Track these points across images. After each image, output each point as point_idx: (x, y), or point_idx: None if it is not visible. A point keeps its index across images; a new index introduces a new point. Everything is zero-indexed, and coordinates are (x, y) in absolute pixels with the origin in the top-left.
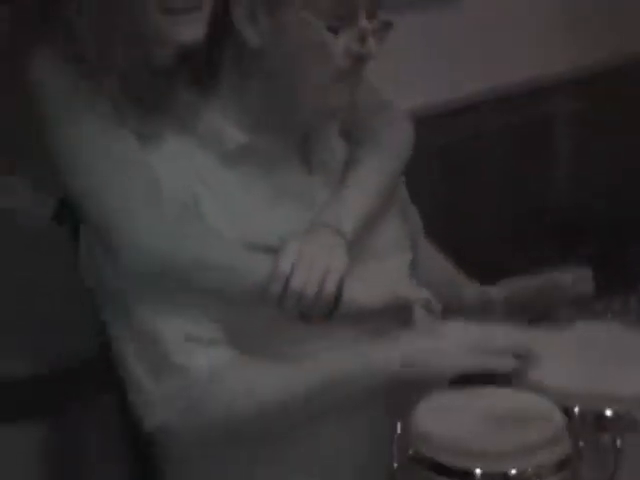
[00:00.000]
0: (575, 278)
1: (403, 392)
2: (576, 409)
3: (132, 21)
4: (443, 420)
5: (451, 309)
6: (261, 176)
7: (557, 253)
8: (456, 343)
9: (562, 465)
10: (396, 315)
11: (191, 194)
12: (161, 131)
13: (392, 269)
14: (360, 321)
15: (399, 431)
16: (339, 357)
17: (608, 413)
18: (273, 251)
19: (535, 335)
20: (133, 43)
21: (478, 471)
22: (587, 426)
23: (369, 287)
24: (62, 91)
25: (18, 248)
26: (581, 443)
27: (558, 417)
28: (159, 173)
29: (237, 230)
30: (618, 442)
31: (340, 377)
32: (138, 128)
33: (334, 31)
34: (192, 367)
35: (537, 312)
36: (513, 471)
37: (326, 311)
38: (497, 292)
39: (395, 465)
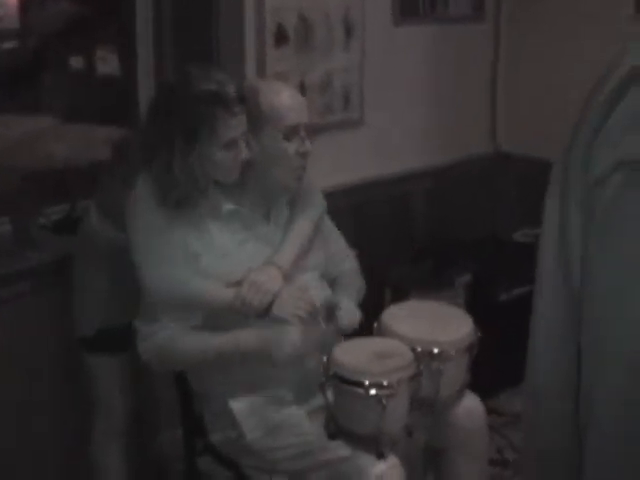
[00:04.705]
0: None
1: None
2: (419, 349)
3: (205, 170)
4: (348, 354)
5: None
6: (241, 228)
7: (417, 268)
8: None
9: (412, 379)
10: None
11: (195, 251)
12: (190, 214)
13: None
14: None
15: (325, 360)
16: (231, 336)
17: (435, 351)
18: (240, 282)
19: None
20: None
21: (366, 382)
22: (425, 358)
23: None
24: (140, 204)
25: None
26: (421, 367)
27: (409, 353)
28: (181, 239)
29: (223, 266)
30: (441, 367)
31: (228, 344)
32: (176, 215)
33: (287, 139)
34: (156, 335)
35: None
36: (385, 382)
37: (263, 314)
38: None
39: (323, 378)
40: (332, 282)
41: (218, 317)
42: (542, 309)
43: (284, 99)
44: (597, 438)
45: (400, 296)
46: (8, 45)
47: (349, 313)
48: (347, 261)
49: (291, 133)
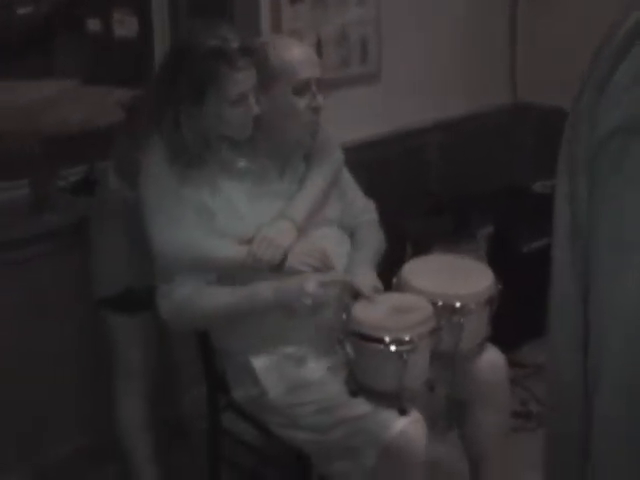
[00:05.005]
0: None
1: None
2: (440, 303)
3: (215, 128)
4: (367, 310)
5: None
6: (255, 186)
7: (437, 221)
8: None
9: (432, 333)
10: None
11: (211, 211)
12: (203, 174)
13: (327, 234)
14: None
15: (344, 317)
16: (250, 290)
17: (457, 305)
18: (252, 239)
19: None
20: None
21: (387, 338)
22: (445, 312)
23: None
24: (152, 167)
25: None
26: (441, 321)
27: (429, 307)
28: (195, 200)
29: (238, 224)
30: (462, 321)
31: (246, 299)
32: (189, 175)
33: (298, 94)
34: (175, 292)
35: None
36: (406, 337)
37: (276, 269)
38: None
39: (342, 336)
40: (351, 234)
41: (233, 275)
42: (559, 265)
43: (294, 53)
44: (599, 392)
45: (422, 250)
46: (25, 11)
47: (366, 284)
48: (366, 213)
49: (302, 88)
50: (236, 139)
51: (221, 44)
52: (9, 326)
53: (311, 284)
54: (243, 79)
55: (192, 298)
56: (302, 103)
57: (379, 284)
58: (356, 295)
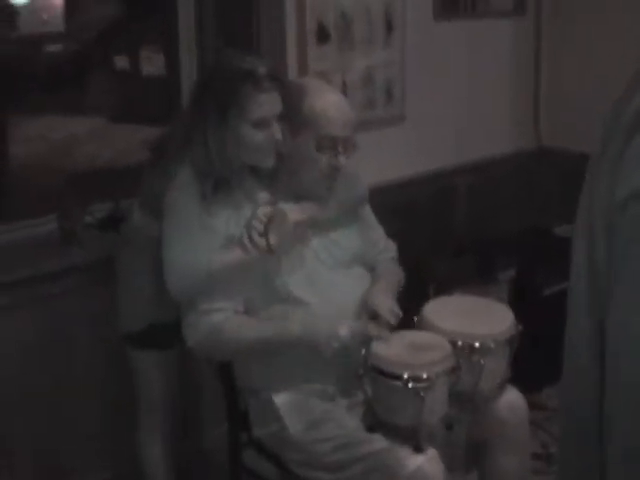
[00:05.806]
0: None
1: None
2: (459, 342)
3: (238, 152)
4: (386, 347)
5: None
6: None
7: (460, 263)
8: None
9: (450, 372)
10: None
11: (234, 236)
12: (228, 200)
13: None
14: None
15: (363, 352)
16: (278, 326)
17: (476, 345)
18: None
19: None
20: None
21: (405, 375)
22: (465, 351)
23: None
24: (177, 194)
25: None
26: (460, 360)
27: (448, 346)
28: (218, 229)
29: None
30: (482, 361)
31: (275, 331)
32: (214, 201)
33: (319, 150)
34: (201, 322)
35: None
36: (424, 375)
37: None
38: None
39: (361, 371)
40: (371, 269)
41: (258, 299)
42: (575, 318)
43: (327, 106)
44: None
45: (444, 292)
46: (54, 48)
47: (385, 308)
48: (387, 252)
49: (327, 144)
50: (260, 168)
51: (248, 66)
52: (36, 359)
53: (345, 329)
54: (266, 101)
55: (220, 328)
56: (324, 159)
57: (398, 309)
58: (374, 316)
